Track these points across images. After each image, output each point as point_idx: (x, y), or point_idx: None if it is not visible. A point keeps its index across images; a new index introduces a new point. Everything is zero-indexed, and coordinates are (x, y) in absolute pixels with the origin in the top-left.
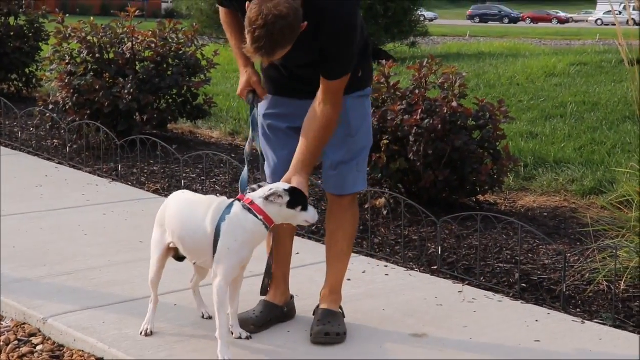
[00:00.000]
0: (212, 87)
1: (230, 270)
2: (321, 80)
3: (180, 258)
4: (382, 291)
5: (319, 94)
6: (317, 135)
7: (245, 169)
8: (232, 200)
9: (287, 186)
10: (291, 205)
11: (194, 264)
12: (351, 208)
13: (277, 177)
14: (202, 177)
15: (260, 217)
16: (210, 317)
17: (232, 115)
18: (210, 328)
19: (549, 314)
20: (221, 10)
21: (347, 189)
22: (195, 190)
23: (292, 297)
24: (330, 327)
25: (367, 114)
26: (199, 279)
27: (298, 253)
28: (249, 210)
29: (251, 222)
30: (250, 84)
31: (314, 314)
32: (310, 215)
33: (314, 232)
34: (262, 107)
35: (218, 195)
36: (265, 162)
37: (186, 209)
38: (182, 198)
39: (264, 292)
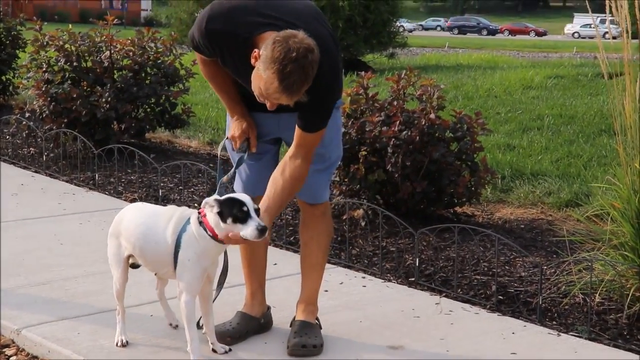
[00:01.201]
0: (191, 97)
1: (193, 283)
2: (296, 133)
3: (135, 266)
4: (359, 303)
5: (292, 148)
6: (286, 187)
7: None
8: (193, 211)
9: (222, 197)
10: (221, 216)
11: (155, 274)
12: (324, 218)
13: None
14: (180, 187)
15: (209, 230)
16: (177, 326)
17: (210, 125)
18: (185, 339)
19: (525, 326)
20: (201, 62)
21: (320, 197)
22: (173, 200)
23: (268, 308)
24: (307, 339)
25: (339, 125)
26: (162, 284)
27: (275, 264)
28: (201, 222)
29: (201, 236)
30: (247, 133)
31: (290, 326)
32: (247, 232)
33: (292, 243)
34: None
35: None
36: (237, 177)
37: (147, 220)
38: (141, 209)
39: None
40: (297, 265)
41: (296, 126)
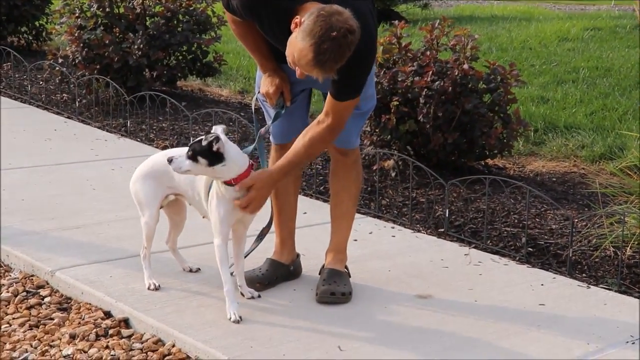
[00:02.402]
0: (223, 45)
1: (218, 226)
2: (327, 99)
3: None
4: (388, 252)
5: (321, 114)
6: (300, 152)
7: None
8: None
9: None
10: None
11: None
12: (355, 167)
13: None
14: None
15: None
16: (198, 270)
17: (241, 74)
18: (214, 284)
19: (554, 278)
20: (232, 22)
21: (350, 142)
22: None
23: (298, 255)
24: (335, 287)
25: (373, 76)
26: (175, 234)
27: (305, 213)
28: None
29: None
30: (281, 88)
31: (319, 274)
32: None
33: (322, 193)
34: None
35: None
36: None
37: None
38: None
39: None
40: (326, 214)
41: (328, 93)
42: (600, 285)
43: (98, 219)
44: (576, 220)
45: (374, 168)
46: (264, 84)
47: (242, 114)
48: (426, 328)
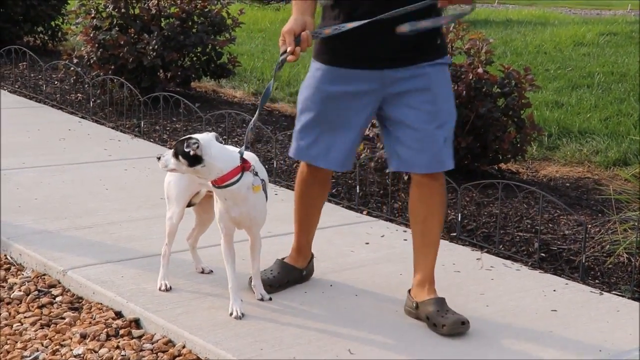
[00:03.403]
0: (237, 47)
1: (218, 225)
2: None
3: (191, 204)
4: (400, 256)
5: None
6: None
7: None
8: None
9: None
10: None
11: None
12: (443, 191)
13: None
14: (224, 136)
15: None
16: (211, 271)
17: (255, 76)
18: (226, 286)
19: (567, 284)
20: None
21: (443, 161)
22: None
23: (312, 257)
24: (459, 316)
25: (450, 84)
26: (199, 232)
27: None
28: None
29: None
30: (305, 28)
31: (416, 308)
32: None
33: (334, 195)
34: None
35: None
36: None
37: None
38: None
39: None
40: (338, 216)
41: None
42: (613, 292)
43: (110, 219)
44: (589, 226)
45: (387, 171)
46: (292, 22)
47: None
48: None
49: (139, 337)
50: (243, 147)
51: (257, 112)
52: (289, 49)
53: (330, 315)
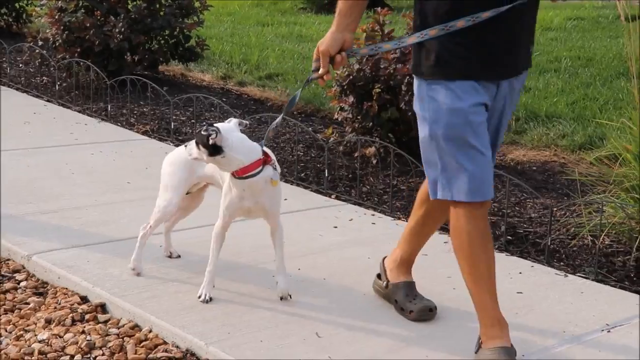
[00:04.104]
0: (205, 30)
1: (221, 212)
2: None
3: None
4: (368, 239)
5: None
6: None
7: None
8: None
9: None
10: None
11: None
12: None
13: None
14: (192, 120)
15: None
16: (178, 256)
17: (224, 59)
18: (193, 270)
19: (532, 266)
20: None
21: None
22: (185, 134)
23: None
24: (427, 302)
25: None
26: (179, 217)
27: (286, 199)
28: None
29: None
30: (343, 48)
31: (383, 287)
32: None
33: (302, 179)
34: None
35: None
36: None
37: None
38: None
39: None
40: (307, 201)
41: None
42: (578, 274)
43: (76, 203)
44: (555, 209)
45: (356, 155)
46: (330, 41)
47: (224, 99)
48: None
49: (105, 322)
50: (264, 141)
51: (280, 116)
52: (321, 71)
53: (298, 299)
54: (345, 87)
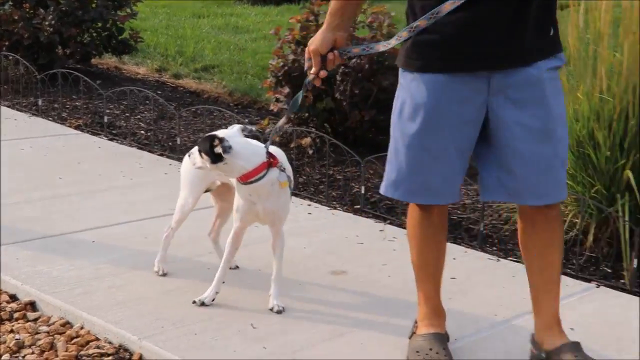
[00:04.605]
0: (140, 22)
1: (235, 215)
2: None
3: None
4: (304, 229)
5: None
6: None
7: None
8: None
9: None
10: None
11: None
12: (561, 219)
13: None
14: (127, 114)
15: None
16: (236, 267)
17: (159, 51)
18: (126, 265)
19: (466, 251)
20: None
21: (562, 192)
22: (119, 127)
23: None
24: None
25: (562, 92)
26: (221, 224)
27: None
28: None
29: None
30: (335, 46)
31: (548, 357)
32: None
33: None
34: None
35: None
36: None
37: None
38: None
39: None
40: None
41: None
42: (510, 258)
43: (6, 200)
44: None
45: (291, 146)
46: (319, 41)
47: (159, 92)
48: (339, 304)
49: (35, 320)
50: (269, 142)
51: (283, 118)
52: (313, 71)
53: (233, 291)
54: (280, 78)
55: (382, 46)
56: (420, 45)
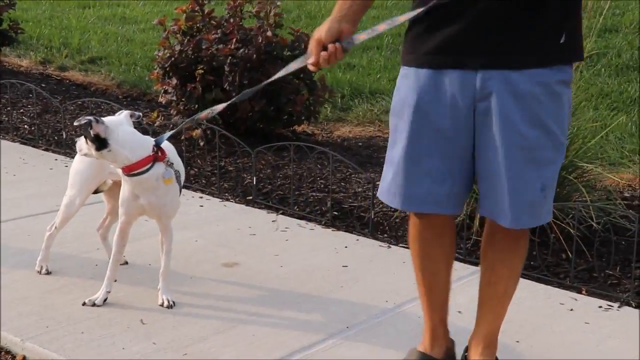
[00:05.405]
0: (21, 13)
1: (120, 209)
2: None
3: (98, 191)
4: (195, 222)
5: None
6: None
7: None
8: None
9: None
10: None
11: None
12: (525, 237)
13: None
14: (8, 108)
15: None
16: (125, 263)
17: (43, 43)
18: (8, 265)
19: (357, 239)
20: None
21: (534, 219)
22: (1, 122)
23: (452, 343)
24: None
25: (566, 109)
26: (111, 221)
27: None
28: None
29: None
30: (340, 37)
31: None
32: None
33: None
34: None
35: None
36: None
37: None
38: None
39: None
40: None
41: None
42: (400, 245)
43: None
44: (378, 182)
45: (182, 138)
46: (324, 30)
47: (44, 85)
48: (231, 296)
49: None
50: (163, 136)
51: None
52: (311, 60)
53: (122, 287)
54: (167, 69)
55: (385, 26)
56: (411, 39)
